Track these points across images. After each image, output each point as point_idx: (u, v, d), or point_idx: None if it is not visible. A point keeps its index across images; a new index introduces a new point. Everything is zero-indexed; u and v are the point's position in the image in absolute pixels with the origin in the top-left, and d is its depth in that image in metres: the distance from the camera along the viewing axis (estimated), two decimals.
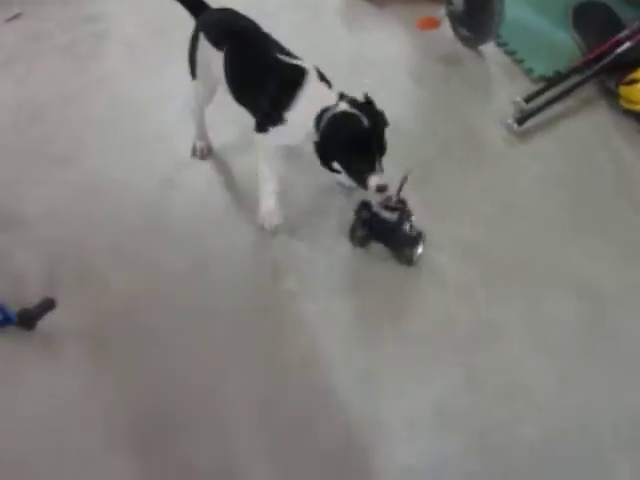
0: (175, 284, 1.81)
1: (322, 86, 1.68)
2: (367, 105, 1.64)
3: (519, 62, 2.34)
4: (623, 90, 2.04)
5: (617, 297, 1.69)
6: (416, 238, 1.72)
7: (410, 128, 2.18)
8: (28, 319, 1.70)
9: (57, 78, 2.51)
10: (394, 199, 1.67)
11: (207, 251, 1.87)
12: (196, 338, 1.69)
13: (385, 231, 1.72)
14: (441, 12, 2.43)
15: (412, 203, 1.75)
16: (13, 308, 1.69)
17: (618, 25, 2.22)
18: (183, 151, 2.13)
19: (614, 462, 1.41)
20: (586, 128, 2.11)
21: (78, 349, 1.69)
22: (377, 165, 1.60)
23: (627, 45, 2.08)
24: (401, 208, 1.68)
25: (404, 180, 1.66)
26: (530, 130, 2.11)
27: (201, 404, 1.57)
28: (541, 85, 2.20)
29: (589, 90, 2.19)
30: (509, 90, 2.24)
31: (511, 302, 1.70)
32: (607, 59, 2.10)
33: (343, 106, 1.60)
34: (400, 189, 1.67)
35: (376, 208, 1.70)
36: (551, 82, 2.19)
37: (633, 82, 2.01)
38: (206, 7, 1.90)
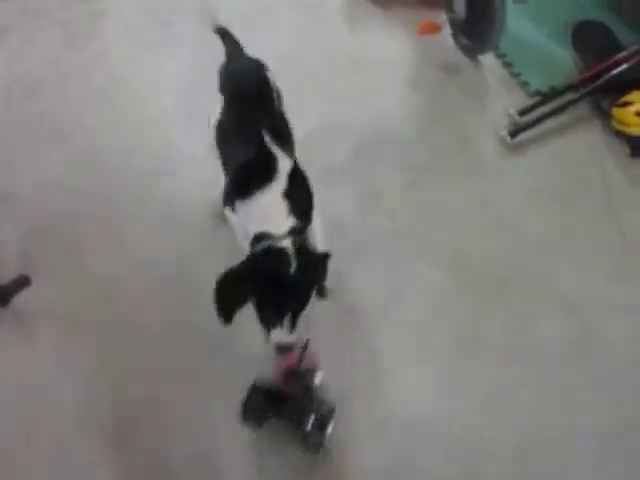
0: (158, 270, 1.81)
1: (281, 202, 1.42)
2: (314, 256, 1.41)
3: (516, 75, 2.35)
4: (616, 112, 2.06)
5: (602, 312, 1.71)
6: (325, 420, 1.41)
7: (404, 133, 2.19)
8: (2, 295, 1.70)
9: (54, 54, 2.49)
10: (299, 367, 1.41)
11: (194, 239, 1.87)
12: (176, 326, 1.69)
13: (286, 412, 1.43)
14: (443, 17, 2.43)
15: (400, 208, 1.77)
16: None
17: (616, 46, 2.24)
18: (178, 138, 2.12)
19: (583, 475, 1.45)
20: (578, 145, 2.13)
21: (50, 329, 1.70)
22: (286, 321, 1.31)
23: (624, 67, 2.10)
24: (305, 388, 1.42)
25: (305, 348, 1.43)
26: (523, 143, 2.13)
27: (175, 390, 1.57)
28: (536, 99, 2.21)
29: (583, 108, 2.20)
30: (504, 102, 2.25)
31: (493, 314, 1.72)
32: (603, 79, 2.11)
33: (284, 243, 1.36)
34: (301, 359, 1.42)
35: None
36: (546, 97, 2.20)
37: (626, 104, 2.03)
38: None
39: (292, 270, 1.33)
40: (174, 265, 1.82)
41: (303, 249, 1.38)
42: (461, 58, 2.44)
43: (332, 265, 1.43)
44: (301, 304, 1.36)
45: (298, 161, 1.54)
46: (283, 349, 1.34)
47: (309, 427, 1.38)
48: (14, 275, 1.73)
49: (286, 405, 1.42)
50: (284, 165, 1.47)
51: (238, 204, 1.47)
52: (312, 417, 1.39)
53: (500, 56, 2.43)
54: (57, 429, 1.53)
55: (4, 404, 1.58)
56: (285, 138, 1.57)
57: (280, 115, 1.67)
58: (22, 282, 1.72)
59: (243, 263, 1.34)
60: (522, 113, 2.15)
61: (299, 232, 1.42)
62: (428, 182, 2.03)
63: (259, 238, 1.38)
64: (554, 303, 1.74)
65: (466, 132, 2.20)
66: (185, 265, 1.81)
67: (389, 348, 1.67)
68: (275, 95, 1.68)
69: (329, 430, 1.42)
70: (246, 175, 1.48)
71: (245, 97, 1.64)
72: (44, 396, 1.59)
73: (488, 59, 2.43)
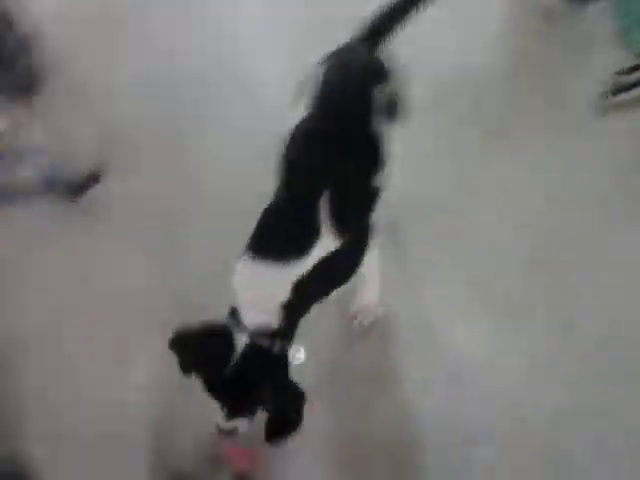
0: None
1: (285, 293, 1.16)
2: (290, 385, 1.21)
3: (624, 30, 2.15)
4: None
5: None
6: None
7: (488, 80, 2.05)
8: (75, 189, 1.78)
9: None
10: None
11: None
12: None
13: None
14: None
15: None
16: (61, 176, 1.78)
17: None
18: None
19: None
20: None
21: (118, 224, 1.77)
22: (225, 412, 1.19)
23: None
24: None
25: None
26: (622, 105, 1.97)
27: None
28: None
29: None
30: (607, 59, 2.07)
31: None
32: None
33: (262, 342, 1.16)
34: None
35: None
36: None
37: None
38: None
39: (255, 376, 1.16)
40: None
41: (262, 353, 1.16)
42: (564, 7, 2.24)
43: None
44: (249, 411, 1.21)
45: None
46: (223, 432, 1.23)
47: None
48: (88, 170, 1.80)
49: None
50: (323, 246, 1.17)
51: (245, 255, 1.22)
52: None
53: (610, 9, 2.22)
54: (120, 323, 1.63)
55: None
56: (350, 211, 1.22)
57: (363, 175, 1.26)
58: (94, 178, 1.79)
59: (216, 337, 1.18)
60: (625, 72, 1.98)
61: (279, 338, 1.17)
62: (514, 138, 1.93)
63: (234, 314, 1.19)
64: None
65: (559, 88, 2.04)
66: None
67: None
68: (375, 134, 1.27)
69: None
70: (272, 233, 1.23)
71: (323, 130, 1.25)
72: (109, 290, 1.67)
73: (594, 10, 2.22)
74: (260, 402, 1.19)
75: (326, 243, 1.17)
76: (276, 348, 1.16)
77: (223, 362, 1.13)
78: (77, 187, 1.76)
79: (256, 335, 1.14)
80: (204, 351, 1.17)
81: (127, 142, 1.89)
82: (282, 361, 1.20)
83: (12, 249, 1.76)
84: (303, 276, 1.15)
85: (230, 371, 1.13)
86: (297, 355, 1.39)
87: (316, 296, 1.23)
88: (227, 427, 1.21)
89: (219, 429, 1.22)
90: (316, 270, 1.16)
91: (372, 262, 1.40)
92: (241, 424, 1.21)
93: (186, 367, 1.20)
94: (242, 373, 1.14)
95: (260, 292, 1.17)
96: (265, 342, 1.15)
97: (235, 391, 1.16)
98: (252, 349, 1.14)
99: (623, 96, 1.96)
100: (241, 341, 1.14)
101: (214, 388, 1.17)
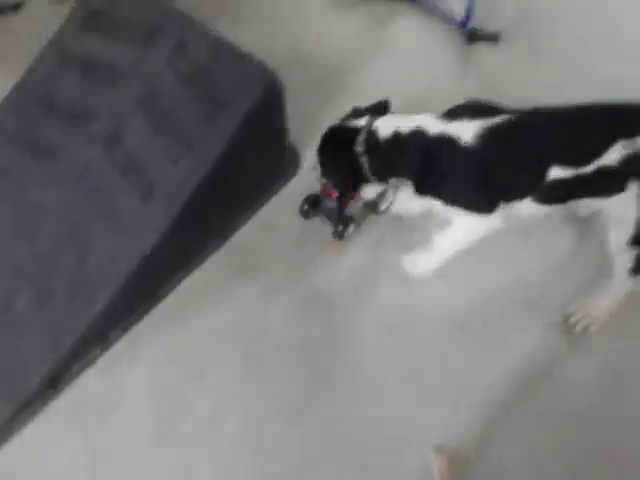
0: None
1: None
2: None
3: None
4: None
5: None
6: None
7: None
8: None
9: None
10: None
11: None
12: None
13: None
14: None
15: None
16: None
17: None
18: None
19: None
20: None
21: None
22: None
23: None
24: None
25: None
26: None
27: None
28: None
29: None
30: None
31: None
32: None
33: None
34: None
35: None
36: None
37: None
38: None
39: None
40: None
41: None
42: None
43: None
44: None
45: None
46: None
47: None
48: None
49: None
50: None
51: None
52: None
53: None
54: None
55: None
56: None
57: None
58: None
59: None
60: None
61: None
62: None
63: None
64: None
65: None
66: None
67: None
68: None
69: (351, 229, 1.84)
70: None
71: None
72: None
73: None
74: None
75: (462, 129, 1.43)
76: (359, 148, 1.56)
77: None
78: None
79: (367, 125, 1.56)
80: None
81: None
82: (353, 161, 1.59)
83: None
84: (425, 132, 1.47)
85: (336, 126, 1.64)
86: None
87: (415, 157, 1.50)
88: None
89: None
90: (433, 140, 1.46)
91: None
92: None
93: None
94: (335, 133, 1.62)
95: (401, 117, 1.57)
96: (361, 137, 1.56)
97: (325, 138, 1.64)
98: (354, 129, 1.58)
99: None
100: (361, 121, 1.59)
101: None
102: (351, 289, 1.78)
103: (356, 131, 1.57)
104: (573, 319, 1.66)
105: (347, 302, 1.76)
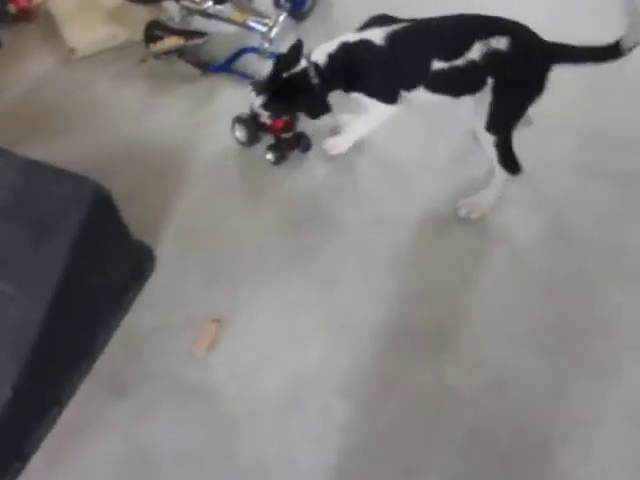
0: None
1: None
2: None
3: None
4: None
5: None
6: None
7: None
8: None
9: None
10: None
11: None
12: None
13: None
14: None
15: None
16: None
17: None
18: None
19: None
20: None
21: None
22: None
23: None
24: None
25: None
26: None
27: None
28: None
29: None
30: None
31: None
32: None
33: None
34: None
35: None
36: None
37: None
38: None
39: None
40: None
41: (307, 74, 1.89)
42: None
43: None
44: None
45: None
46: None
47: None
48: None
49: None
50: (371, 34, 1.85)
51: None
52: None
53: None
54: None
55: None
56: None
57: None
58: None
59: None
60: None
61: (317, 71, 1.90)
62: None
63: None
64: None
65: None
66: None
67: None
68: None
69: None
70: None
71: None
72: None
73: None
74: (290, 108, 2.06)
75: (375, 35, 1.84)
76: (315, 80, 1.90)
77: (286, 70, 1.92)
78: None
79: (310, 63, 1.90)
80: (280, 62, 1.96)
81: None
82: (316, 91, 1.92)
83: None
84: (348, 42, 1.87)
85: (284, 77, 1.92)
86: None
87: (345, 66, 1.90)
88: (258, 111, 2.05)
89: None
90: (357, 44, 1.86)
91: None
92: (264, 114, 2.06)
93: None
94: (289, 82, 1.91)
95: (325, 44, 1.92)
96: (312, 72, 1.89)
97: (278, 91, 1.95)
98: (303, 71, 1.90)
99: None
100: (301, 64, 1.90)
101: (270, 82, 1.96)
102: None
103: (304, 72, 1.90)
104: (460, 205, 2.04)
105: None
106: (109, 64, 2.59)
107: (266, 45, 2.52)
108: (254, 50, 2.54)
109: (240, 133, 2.22)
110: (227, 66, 2.53)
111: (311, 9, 2.79)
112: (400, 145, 2.27)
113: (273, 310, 1.85)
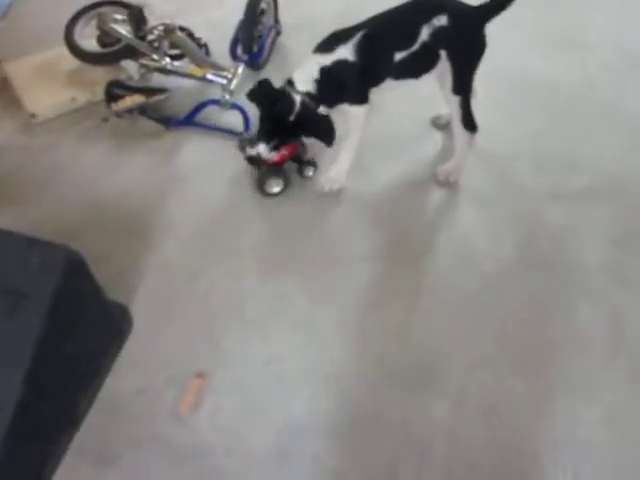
0: None
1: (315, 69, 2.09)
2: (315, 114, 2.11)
3: None
4: None
5: None
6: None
7: None
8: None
9: None
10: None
11: None
12: None
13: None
14: None
15: None
16: None
17: None
18: None
19: None
20: None
21: None
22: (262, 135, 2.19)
23: None
24: None
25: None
26: None
27: None
28: None
29: None
30: None
31: None
32: None
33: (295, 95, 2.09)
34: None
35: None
36: None
37: None
38: None
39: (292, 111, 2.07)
40: None
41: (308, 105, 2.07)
42: None
43: None
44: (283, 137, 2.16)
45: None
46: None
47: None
48: None
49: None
50: (342, 53, 2.04)
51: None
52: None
53: None
54: None
55: None
56: (372, 45, 2.07)
57: None
58: None
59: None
60: None
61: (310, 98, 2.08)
62: None
63: (290, 83, 2.10)
64: None
65: None
66: None
67: None
68: None
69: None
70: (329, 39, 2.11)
71: None
72: None
73: None
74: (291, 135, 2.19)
75: (345, 52, 2.04)
76: (313, 106, 2.08)
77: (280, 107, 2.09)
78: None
79: (304, 95, 2.07)
80: (269, 98, 2.11)
81: None
82: (316, 114, 2.11)
83: None
84: (326, 66, 2.05)
85: (294, 115, 2.08)
86: None
87: (332, 86, 2.08)
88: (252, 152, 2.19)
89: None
90: (335, 65, 2.04)
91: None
92: (263, 149, 2.15)
93: (252, 96, 2.16)
94: (301, 117, 2.08)
95: (302, 72, 2.09)
96: (310, 103, 2.08)
97: (280, 124, 2.11)
98: (304, 104, 2.07)
99: None
100: (298, 98, 2.07)
101: (265, 119, 2.14)
102: None
103: (304, 105, 2.07)
104: (438, 172, 2.36)
105: None
106: (72, 126, 2.59)
107: (227, 96, 2.57)
108: (215, 102, 2.58)
109: (277, 185, 2.28)
110: (190, 120, 2.57)
111: (267, 59, 2.88)
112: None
113: (256, 361, 1.83)
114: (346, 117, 2.17)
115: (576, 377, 1.78)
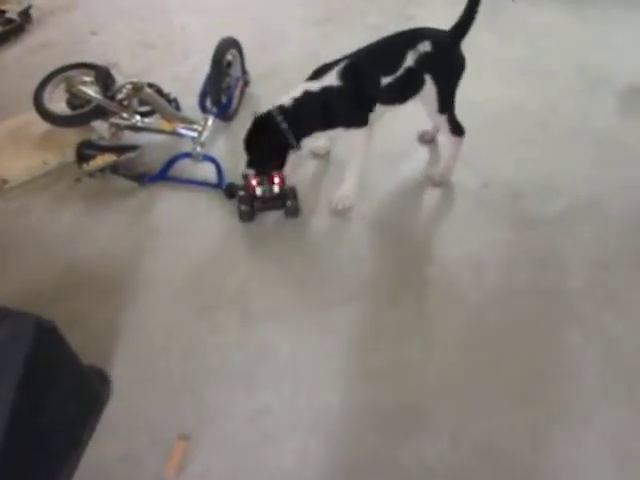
0: None
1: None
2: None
3: None
4: None
5: None
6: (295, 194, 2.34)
7: None
8: (232, 191, 2.44)
9: None
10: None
11: None
12: None
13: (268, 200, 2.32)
14: None
15: None
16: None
17: None
18: None
19: None
20: None
21: None
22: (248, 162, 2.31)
23: None
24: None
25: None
26: None
27: None
28: None
29: None
30: None
31: None
32: None
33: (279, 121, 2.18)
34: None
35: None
36: None
37: None
38: None
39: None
40: None
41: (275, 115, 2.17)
42: None
43: None
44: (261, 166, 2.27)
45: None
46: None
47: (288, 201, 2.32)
48: None
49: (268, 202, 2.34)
50: (328, 80, 2.16)
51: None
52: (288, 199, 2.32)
53: None
54: None
55: None
56: (364, 72, 2.20)
57: None
58: None
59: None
60: None
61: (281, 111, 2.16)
62: None
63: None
64: None
65: None
66: None
67: None
68: None
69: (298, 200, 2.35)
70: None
71: None
72: None
73: None
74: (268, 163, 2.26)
75: (331, 79, 2.15)
76: (283, 125, 2.16)
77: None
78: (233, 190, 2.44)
79: (276, 108, 2.17)
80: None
81: None
82: (284, 137, 2.19)
83: None
84: (310, 90, 2.16)
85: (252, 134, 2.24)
86: None
87: (310, 112, 2.18)
88: (244, 172, 2.29)
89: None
90: (321, 91, 2.15)
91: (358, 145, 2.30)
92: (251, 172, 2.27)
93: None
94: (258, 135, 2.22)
95: (292, 92, 2.19)
96: (278, 116, 2.16)
97: (254, 150, 2.25)
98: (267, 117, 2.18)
99: None
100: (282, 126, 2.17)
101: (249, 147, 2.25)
102: None
103: (271, 118, 2.16)
104: (431, 174, 2.50)
105: None
106: (44, 189, 2.58)
107: (198, 149, 2.57)
108: (187, 155, 2.58)
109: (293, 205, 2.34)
110: (163, 175, 2.57)
111: (237, 109, 2.90)
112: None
113: (242, 415, 1.78)
114: (349, 140, 2.29)
115: (572, 404, 1.73)
